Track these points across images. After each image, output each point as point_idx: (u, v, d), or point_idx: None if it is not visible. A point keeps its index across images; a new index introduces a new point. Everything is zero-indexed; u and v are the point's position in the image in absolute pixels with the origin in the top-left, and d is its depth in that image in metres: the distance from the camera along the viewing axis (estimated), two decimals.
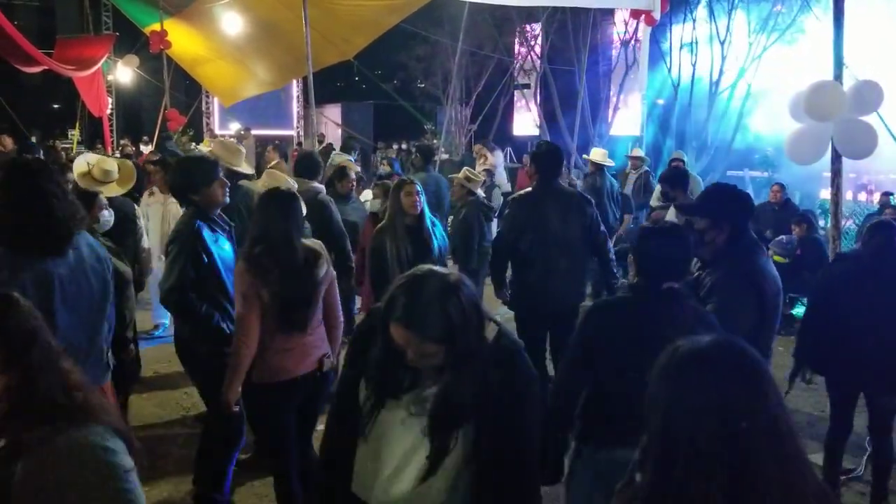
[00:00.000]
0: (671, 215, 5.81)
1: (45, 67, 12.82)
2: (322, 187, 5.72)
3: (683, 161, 10.14)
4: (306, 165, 5.84)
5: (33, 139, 14.02)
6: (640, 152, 11.27)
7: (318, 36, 11.10)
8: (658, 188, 9.82)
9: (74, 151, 13.82)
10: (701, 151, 14.64)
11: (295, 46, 12.04)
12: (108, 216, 4.68)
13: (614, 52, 16.92)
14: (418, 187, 4.75)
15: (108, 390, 3.19)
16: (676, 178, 6.36)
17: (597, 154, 9.18)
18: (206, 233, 3.57)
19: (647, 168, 10.12)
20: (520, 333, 4.75)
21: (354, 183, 6.39)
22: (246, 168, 5.17)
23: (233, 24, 12.45)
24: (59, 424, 1.55)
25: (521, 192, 5.18)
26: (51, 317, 2.70)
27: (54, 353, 1.65)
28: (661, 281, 2.65)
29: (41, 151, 11.62)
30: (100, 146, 15.29)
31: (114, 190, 4.95)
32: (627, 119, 15.98)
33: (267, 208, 3.42)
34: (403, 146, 17.49)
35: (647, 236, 2.87)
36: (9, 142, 11.60)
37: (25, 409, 1.56)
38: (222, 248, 3.64)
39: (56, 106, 26.39)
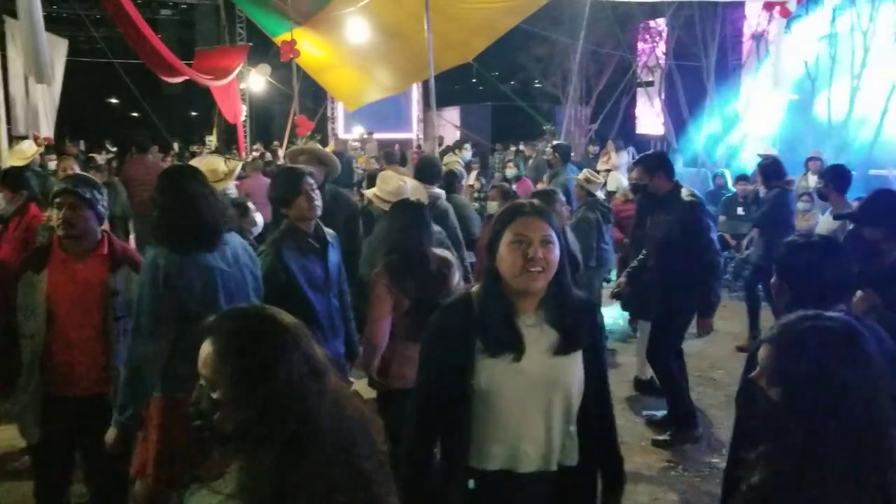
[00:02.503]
0: (826, 224, 5.44)
1: (186, 77, 13.64)
2: (442, 192, 5.77)
3: (822, 160, 9.56)
4: (427, 171, 5.91)
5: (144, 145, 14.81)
6: (772, 151, 10.74)
7: (438, 40, 11.23)
8: (802, 184, 9.33)
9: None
10: (841, 149, 13.74)
11: (415, 51, 12.25)
12: (260, 219, 4.94)
13: (745, 47, 16.16)
14: (562, 197, 4.73)
15: None
16: (836, 176, 5.74)
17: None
18: (288, 252, 3.52)
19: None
20: (683, 325, 5.10)
21: (465, 185, 6.45)
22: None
23: (356, 31, 12.81)
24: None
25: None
26: (217, 312, 2.87)
27: (298, 390, 1.43)
28: (826, 305, 2.26)
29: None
30: (234, 151, 16.11)
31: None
32: (760, 116, 15.21)
33: (397, 218, 3.52)
34: (521, 147, 17.37)
35: (799, 252, 2.41)
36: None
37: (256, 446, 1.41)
38: (307, 268, 3.56)
39: (194, 114, 28.06)
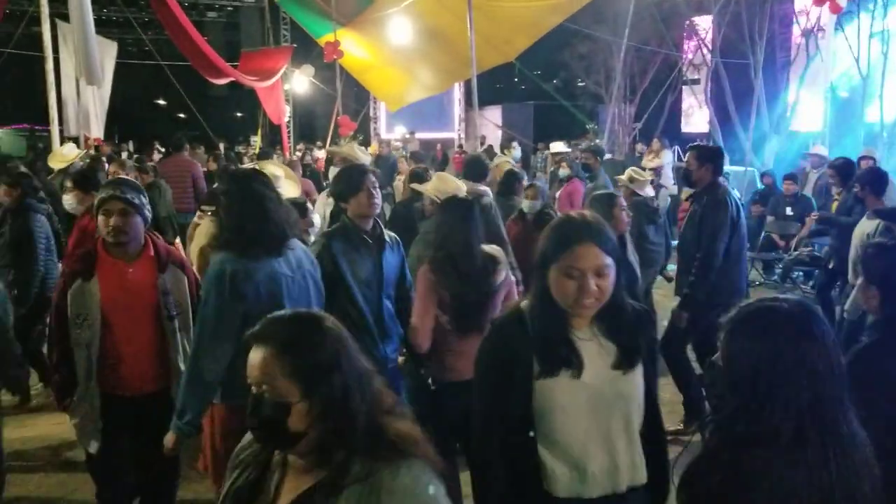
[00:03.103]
0: (861, 227, 5.32)
1: (232, 79, 13.86)
2: (487, 190, 5.78)
3: (874, 159, 9.29)
4: (475, 169, 6.04)
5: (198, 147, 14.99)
6: (821, 150, 10.48)
7: (480, 39, 11.24)
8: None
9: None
10: (892, 148, 13.37)
11: (458, 51, 12.28)
12: (318, 220, 4.99)
13: (794, 44, 15.82)
14: (622, 201, 4.68)
15: None
16: (872, 178, 5.68)
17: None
18: (338, 245, 3.52)
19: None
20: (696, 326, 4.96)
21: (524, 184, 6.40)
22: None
23: (399, 31, 12.88)
24: (380, 456, 1.47)
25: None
26: None
27: (364, 377, 1.53)
28: None
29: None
30: (279, 151, 16.31)
31: (291, 190, 5.22)
32: (809, 114, 14.88)
33: (446, 215, 3.53)
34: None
35: (888, 254, 2.34)
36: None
37: (338, 440, 1.48)
38: (357, 263, 3.55)
39: (239, 115, 28.51)
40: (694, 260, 4.91)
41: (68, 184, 5.40)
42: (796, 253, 9.24)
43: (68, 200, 5.24)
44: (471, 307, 3.33)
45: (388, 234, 3.76)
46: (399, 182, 7.30)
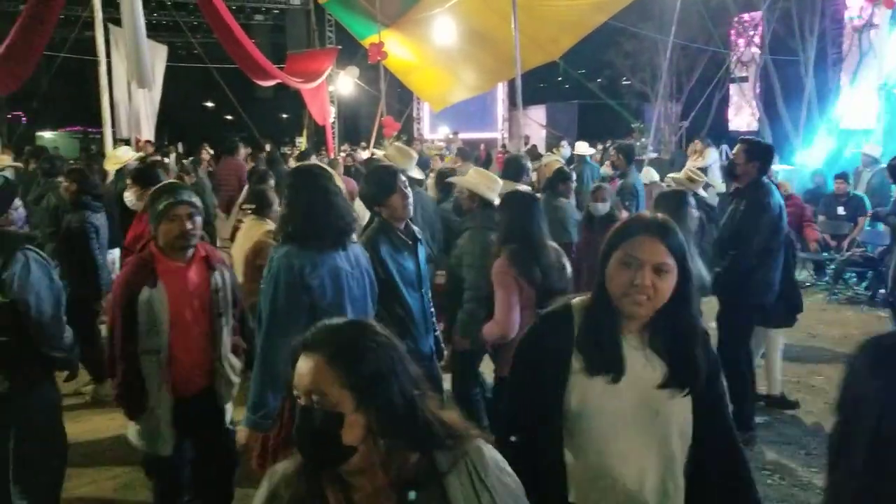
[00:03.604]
0: None
1: (278, 80, 14.04)
2: (527, 188, 5.81)
3: None
4: (513, 168, 6.29)
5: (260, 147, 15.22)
6: (872, 148, 10.22)
7: (525, 39, 11.19)
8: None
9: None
10: None
11: (502, 51, 12.26)
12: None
13: (846, 41, 15.43)
14: (692, 200, 4.66)
15: None
16: None
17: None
18: (385, 248, 3.52)
19: (884, 165, 9.12)
20: (744, 324, 4.98)
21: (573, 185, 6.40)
22: (417, 173, 5.44)
23: (443, 32, 12.90)
24: (458, 444, 1.50)
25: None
26: (343, 312, 2.93)
27: (419, 382, 1.50)
28: None
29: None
30: (323, 152, 16.48)
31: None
32: (861, 111, 14.51)
33: (513, 208, 3.61)
34: (607, 145, 17.17)
35: None
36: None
37: (413, 446, 1.46)
38: (401, 264, 3.57)
39: (285, 116, 28.91)
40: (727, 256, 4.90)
41: (128, 180, 5.60)
42: (848, 253, 9.03)
43: (128, 197, 5.41)
44: (556, 296, 3.34)
45: (416, 230, 3.78)
46: (430, 180, 7.35)
